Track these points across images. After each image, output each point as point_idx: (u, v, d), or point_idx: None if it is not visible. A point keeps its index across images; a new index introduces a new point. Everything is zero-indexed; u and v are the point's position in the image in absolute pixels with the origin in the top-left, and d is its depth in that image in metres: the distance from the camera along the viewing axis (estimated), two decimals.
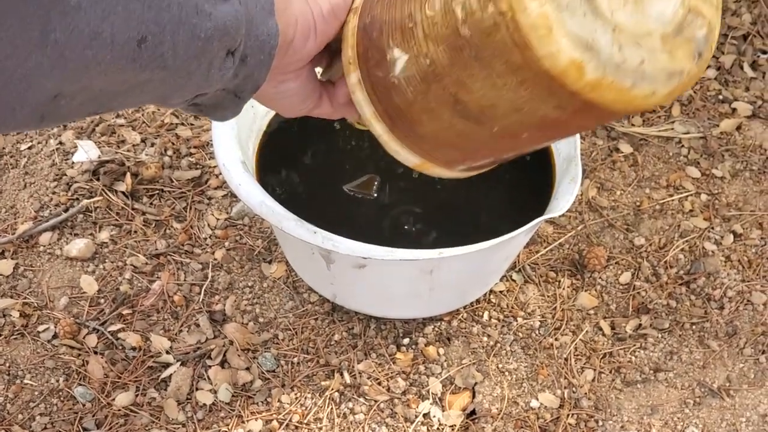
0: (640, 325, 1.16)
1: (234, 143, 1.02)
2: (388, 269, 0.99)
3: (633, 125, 1.42)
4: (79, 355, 1.10)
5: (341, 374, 1.08)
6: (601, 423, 1.07)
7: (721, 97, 1.48)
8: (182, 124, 1.38)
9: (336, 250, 0.92)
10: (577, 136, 1.06)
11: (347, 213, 1.04)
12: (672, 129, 1.42)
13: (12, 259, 1.19)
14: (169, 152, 1.33)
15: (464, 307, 1.15)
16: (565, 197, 1.00)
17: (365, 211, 1.05)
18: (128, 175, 1.27)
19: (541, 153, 1.12)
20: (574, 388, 1.09)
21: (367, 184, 1.07)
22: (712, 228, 1.28)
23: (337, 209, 1.05)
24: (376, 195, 1.06)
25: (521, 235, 0.98)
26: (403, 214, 1.05)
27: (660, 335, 1.15)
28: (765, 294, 1.20)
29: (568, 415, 1.06)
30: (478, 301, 1.16)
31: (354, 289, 1.07)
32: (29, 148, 1.33)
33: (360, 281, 1.04)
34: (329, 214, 1.03)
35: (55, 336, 1.12)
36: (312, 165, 1.10)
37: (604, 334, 1.15)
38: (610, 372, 1.11)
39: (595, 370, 1.11)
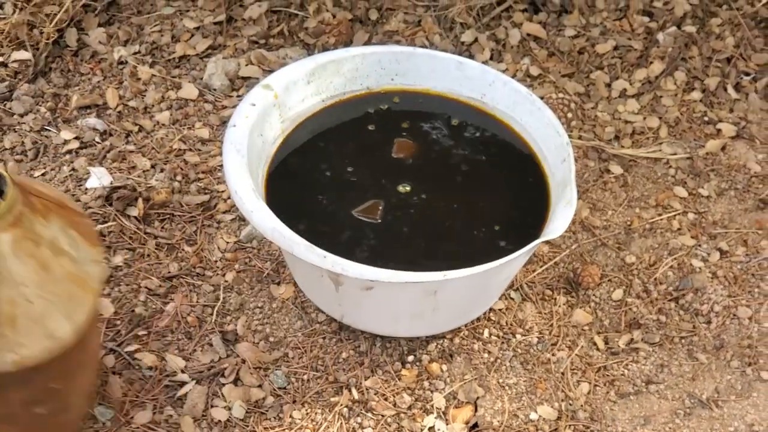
0: (632, 339, 1.22)
1: (244, 170, 1.07)
2: (395, 291, 1.04)
3: (623, 147, 1.48)
4: (98, 375, 1.14)
5: (349, 390, 1.13)
6: None
7: (706, 118, 1.54)
8: (190, 150, 1.43)
9: (345, 273, 0.98)
10: (572, 159, 1.12)
11: (353, 237, 1.09)
12: (660, 150, 1.48)
13: None
14: (179, 177, 1.38)
15: (465, 325, 1.20)
16: (561, 220, 1.06)
17: (370, 234, 1.10)
18: (140, 200, 1.32)
19: (536, 177, 1.18)
20: (570, 401, 1.15)
21: (372, 209, 1.12)
22: (699, 245, 1.34)
23: (343, 233, 1.10)
24: (380, 220, 1.11)
25: (521, 257, 1.03)
26: (407, 238, 1.10)
27: (651, 349, 1.21)
28: (750, 309, 1.25)
29: (565, 426, 1.12)
30: (478, 319, 1.21)
31: (361, 309, 1.13)
32: (43, 174, 1.38)
33: (367, 302, 1.09)
34: (336, 238, 1.08)
35: None
36: (319, 190, 1.15)
37: (598, 349, 1.21)
38: (605, 385, 1.17)
39: (590, 383, 1.17)
